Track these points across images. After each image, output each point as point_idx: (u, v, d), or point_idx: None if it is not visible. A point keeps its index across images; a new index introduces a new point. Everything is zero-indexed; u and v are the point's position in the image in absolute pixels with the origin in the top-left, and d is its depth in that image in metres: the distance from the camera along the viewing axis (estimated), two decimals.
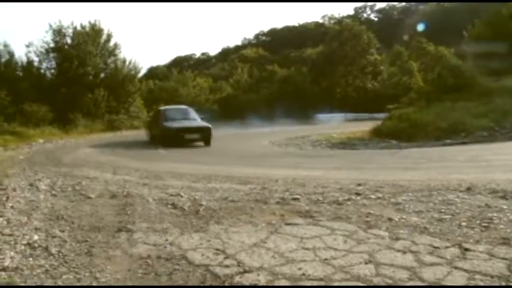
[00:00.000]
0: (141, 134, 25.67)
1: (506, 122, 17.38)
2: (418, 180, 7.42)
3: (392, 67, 55.43)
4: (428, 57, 51.14)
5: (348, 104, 48.61)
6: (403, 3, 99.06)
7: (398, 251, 4.12)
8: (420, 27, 59.45)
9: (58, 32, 39.74)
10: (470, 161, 10.36)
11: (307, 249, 4.28)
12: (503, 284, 3.40)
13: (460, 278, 3.50)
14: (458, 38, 38.16)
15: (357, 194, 6.44)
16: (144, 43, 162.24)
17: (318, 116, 44.18)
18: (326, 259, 4.00)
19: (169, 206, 6.34)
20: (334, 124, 34.62)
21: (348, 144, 17.74)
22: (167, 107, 23.44)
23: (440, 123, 18.34)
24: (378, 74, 54.95)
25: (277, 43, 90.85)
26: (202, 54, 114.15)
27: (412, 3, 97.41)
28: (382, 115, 29.01)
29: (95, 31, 40.60)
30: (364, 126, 23.04)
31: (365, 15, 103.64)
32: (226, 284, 3.61)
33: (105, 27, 45.47)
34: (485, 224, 4.81)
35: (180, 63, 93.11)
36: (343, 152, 14.86)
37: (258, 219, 5.38)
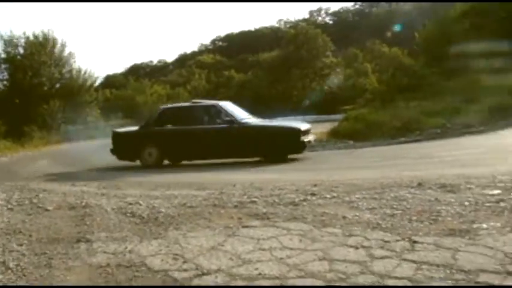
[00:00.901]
0: (100, 144, 25.26)
1: (457, 119, 17.93)
2: (372, 178, 7.64)
3: (348, 69, 56.34)
4: (383, 59, 52.13)
5: (306, 107, 49.05)
6: (357, 6, 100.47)
7: (351, 246, 4.28)
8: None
9: (9, 42, 39.06)
10: (423, 158, 10.69)
11: (263, 249, 4.39)
12: (449, 270, 3.59)
13: (408, 269, 3.67)
14: (410, 39, 39.14)
15: (313, 194, 6.59)
16: (100, 51, 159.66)
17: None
18: (282, 258, 4.12)
19: (128, 215, 6.36)
20: None
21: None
22: (214, 102, 15.35)
23: (395, 122, 18.78)
24: (334, 76, 55.77)
25: (234, 48, 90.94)
26: (159, 61, 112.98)
27: (365, 5, 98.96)
28: (339, 116, 29.41)
29: (48, 41, 40.04)
30: (322, 128, 23.29)
31: (320, 18, 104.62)
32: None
33: (59, 36, 44.86)
34: (434, 217, 5.02)
35: (137, 71, 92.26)
36: (301, 154, 15.05)
37: (216, 223, 5.47)
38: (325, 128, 22.55)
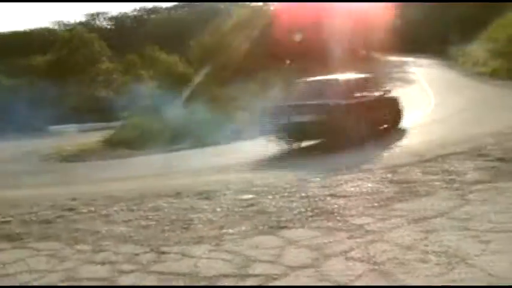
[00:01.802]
0: None
1: (230, 126, 18.83)
2: (135, 188, 7.61)
3: (125, 75, 55.61)
4: (161, 66, 52.58)
5: (83, 114, 47.25)
6: (136, 12, 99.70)
7: (98, 263, 4.21)
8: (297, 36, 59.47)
9: None
10: (190, 165, 11.02)
11: (7, 275, 4.12)
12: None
13: (151, 281, 3.75)
14: (188, 47, 40.22)
15: (70, 209, 6.34)
16: None
17: (51, 128, 42.17)
18: (25, 283, 3.90)
19: None
20: (67, 136, 33.42)
21: (78, 156, 17.29)
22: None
23: (171, 129, 19.07)
24: (111, 83, 54.64)
25: (1, 50, 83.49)
26: None
27: (144, 12, 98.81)
28: (117, 124, 28.91)
29: None
30: (98, 137, 22.71)
31: (98, 22, 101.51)
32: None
33: None
34: (186, 226, 5.18)
35: None
36: (71, 166, 14.50)
37: None
38: (101, 136, 21.98)
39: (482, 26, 26.24)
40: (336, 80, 12.55)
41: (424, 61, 26.72)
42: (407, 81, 23.56)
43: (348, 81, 12.35)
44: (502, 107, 14.49)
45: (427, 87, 22.84)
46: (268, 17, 34.71)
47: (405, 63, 29.99)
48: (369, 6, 32.95)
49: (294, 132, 11.22)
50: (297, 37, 28.32)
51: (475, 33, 26.38)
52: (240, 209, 5.78)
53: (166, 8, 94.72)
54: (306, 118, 10.76)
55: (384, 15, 31.56)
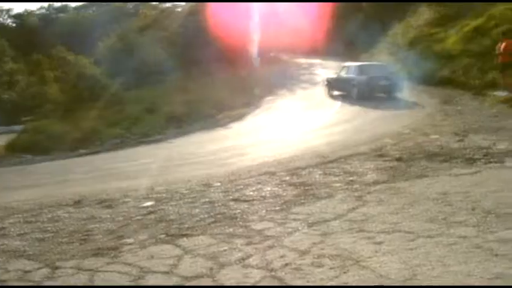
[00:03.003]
0: None
1: (136, 129, 18.51)
2: (33, 198, 7.22)
3: (31, 76, 53.19)
4: (69, 67, 50.73)
5: None
6: (43, 10, 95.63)
7: None
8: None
9: None
10: (93, 171, 10.66)
11: None
12: None
13: None
14: (96, 48, 39.16)
15: None
16: None
17: None
18: None
19: None
20: None
21: None
22: None
23: (77, 133, 18.48)
24: (15, 84, 52.05)
25: None
26: None
27: (52, 10, 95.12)
28: (20, 127, 27.61)
29: None
30: None
31: (1, 19, 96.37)
32: None
33: None
34: (85, 237, 5.01)
35: None
36: None
37: None
38: (3, 141, 20.87)
39: (387, 29, 27.36)
40: (383, 64, 21.26)
41: (330, 63, 27.46)
42: (313, 83, 24.13)
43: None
44: (401, 108, 15.23)
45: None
46: (178, 18, 34.42)
47: (312, 65, 30.72)
48: (279, 8, 33.57)
49: (376, 90, 18.87)
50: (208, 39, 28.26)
51: (381, 36, 27.46)
52: (140, 217, 5.67)
53: (75, 8, 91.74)
54: (383, 83, 18.70)
55: (293, 17, 32.26)
